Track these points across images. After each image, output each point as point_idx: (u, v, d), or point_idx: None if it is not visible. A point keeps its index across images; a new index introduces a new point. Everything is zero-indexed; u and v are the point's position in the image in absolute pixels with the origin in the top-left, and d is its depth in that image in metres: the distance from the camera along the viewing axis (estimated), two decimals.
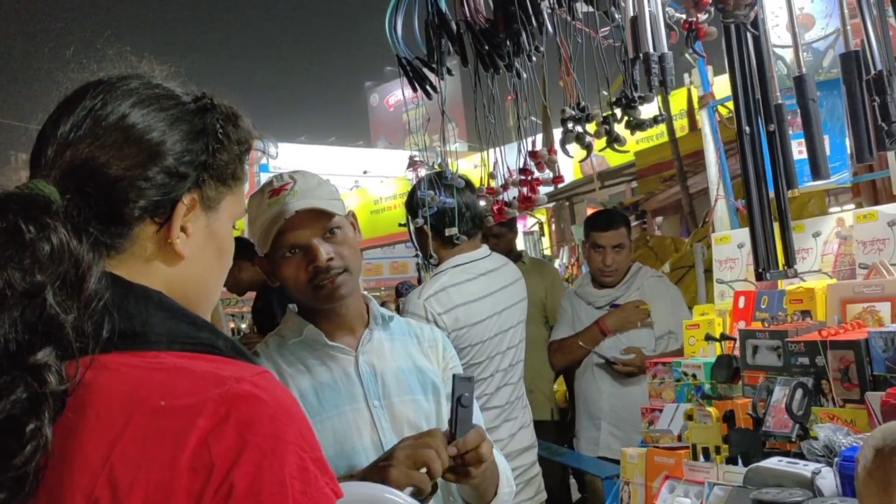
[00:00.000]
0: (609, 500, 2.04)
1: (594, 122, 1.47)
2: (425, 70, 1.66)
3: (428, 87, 1.61)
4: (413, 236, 2.82)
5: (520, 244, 8.54)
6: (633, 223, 8.44)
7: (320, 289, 1.67)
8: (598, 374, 3.54)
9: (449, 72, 1.62)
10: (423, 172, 2.70)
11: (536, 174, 1.64)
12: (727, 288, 2.18)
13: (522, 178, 1.65)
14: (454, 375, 1.45)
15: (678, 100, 8.89)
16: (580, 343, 3.58)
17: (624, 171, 9.89)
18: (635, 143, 12.88)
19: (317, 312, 1.74)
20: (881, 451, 1.20)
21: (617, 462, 3.33)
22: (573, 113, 1.46)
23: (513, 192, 1.78)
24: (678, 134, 7.56)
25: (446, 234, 2.49)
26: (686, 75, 2.46)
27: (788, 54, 1.93)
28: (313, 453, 0.87)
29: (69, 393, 0.81)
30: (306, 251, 1.66)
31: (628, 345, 3.45)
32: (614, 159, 12.22)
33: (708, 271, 4.08)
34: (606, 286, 3.62)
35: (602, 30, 1.69)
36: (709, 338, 1.96)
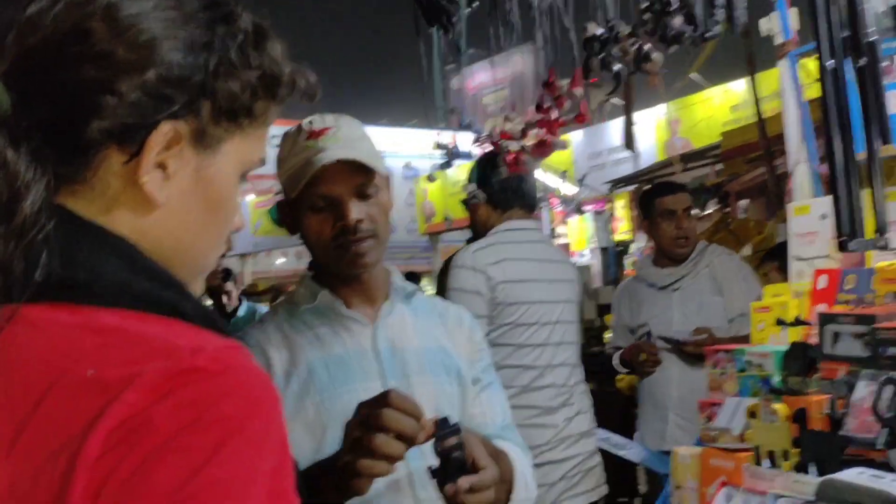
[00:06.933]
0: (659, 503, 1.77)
1: (624, 39, 1.20)
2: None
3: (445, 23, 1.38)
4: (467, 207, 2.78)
5: (589, 226, 8.26)
6: (714, 206, 8.02)
7: (343, 250, 1.49)
8: (666, 360, 3.27)
9: (470, 2, 1.38)
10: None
11: (554, 113, 1.39)
12: (806, 266, 1.88)
13: (540, 117, 1.39)
14: (442, 419, 1.20)
15: (770, 80, 8.38)
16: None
17: (708, 153, 9.40)
18: (721, 125, 12.32)
19: (334, 277, 1.56)
20: None
21: None
22: (599, 32, 1.20)
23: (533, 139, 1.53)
24: (769, 115, 7.09)
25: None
26: (765, 20, 2.13)
27: None
28: (286, 471, 0.65)
29: None
30: (335, 207, 1.48)
31: (700, 324, 3.17)
32: (699, 140, 11.70)
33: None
34: (676, 260, 3.34)
35: None
36: (780, 322, 1.68)
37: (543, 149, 1.39)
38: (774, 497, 1.40)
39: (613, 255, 6.53)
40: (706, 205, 8.04)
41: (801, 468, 1.43)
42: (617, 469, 3.86)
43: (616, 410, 4.57)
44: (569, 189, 6.01)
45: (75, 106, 0.68)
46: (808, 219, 1.90)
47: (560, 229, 7.70)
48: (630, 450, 3.46)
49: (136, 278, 0.68)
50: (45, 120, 0.68)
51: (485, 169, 2.59)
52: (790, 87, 1.96)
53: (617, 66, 1.17)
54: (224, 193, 0.77)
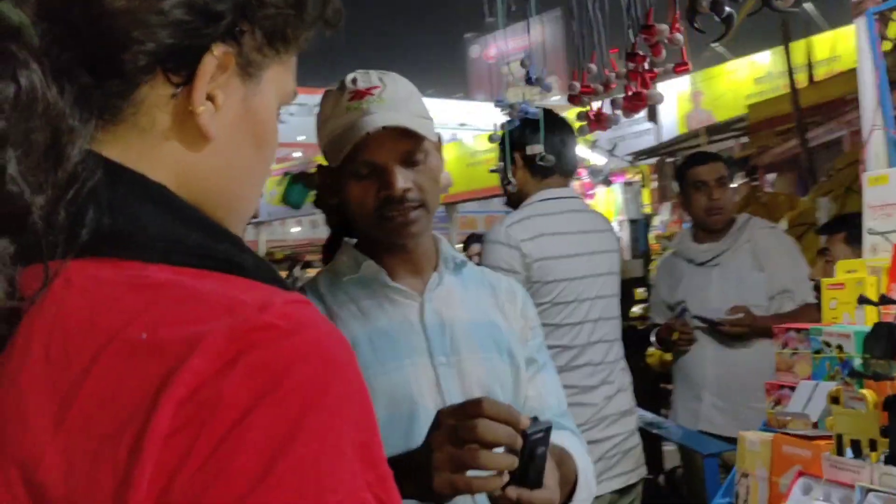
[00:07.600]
0: (720, 494, 1.67)
1: None
2: None
3: None
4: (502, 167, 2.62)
5: (618, 198, 8.09)
6: (742, 180, 7.87)
7: (388, 220, 1.38)
8: (701, 338, 3.17)
9: None
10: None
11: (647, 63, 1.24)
12: (882, 240, 1.75)
13: (631, 66, 1.25)
14: (533, 418, 1.11)
15: (799, 52, 8.19)
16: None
17: (732, 126, 9.24)
18: (745, 97, 12.09)
19: (379, 246, 1.45)
20: None
21: (718, 437, 3.00)
22: None
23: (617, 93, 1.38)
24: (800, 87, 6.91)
25: (528, 153, 2.19)
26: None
27: None
28: (376, 438, 0.57)
29: (20, 314, 0.53)
30: (381, 174, 1.37)
31: (738, 302, 3.05)
32: (721, 113, 11.52)
33: None
34: (712, 230, 3.22)
35: None
36: (863, 300, 1.55)
37: (637, 103, 1.26)
38: (863, 491, 1.29)
39: (643, 227, 6.39)
40: (733, 178, 7.88)
41: (890, 460, 1.31)
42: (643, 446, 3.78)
43: (645, 386, 4.46)
44: (598, 159, 5.87)
45: (113, 31, 0.59)
46: (886, 189, 1.77)
47: (585, 201, 7.57)
48: (666, 427, 3.38)
49: (185, 229, 0.60)
50: (85, 50, 0.59)
51: (547, 129, 2.37)
52: (867, 46, 1.82)
53: (728, 8, 1.04)
54: (269, 126, 0.70)
